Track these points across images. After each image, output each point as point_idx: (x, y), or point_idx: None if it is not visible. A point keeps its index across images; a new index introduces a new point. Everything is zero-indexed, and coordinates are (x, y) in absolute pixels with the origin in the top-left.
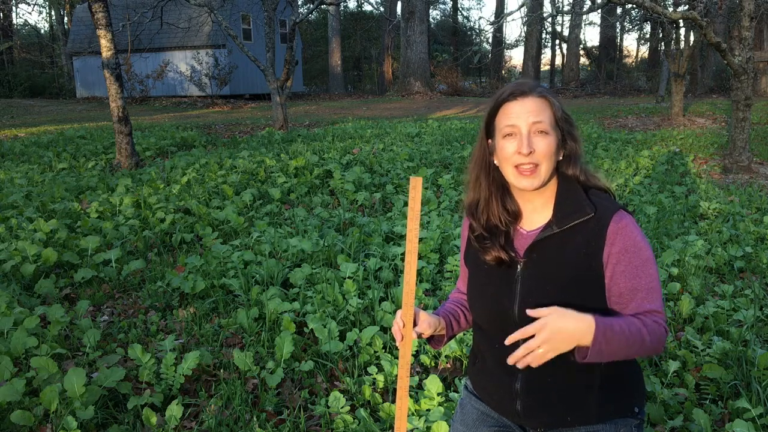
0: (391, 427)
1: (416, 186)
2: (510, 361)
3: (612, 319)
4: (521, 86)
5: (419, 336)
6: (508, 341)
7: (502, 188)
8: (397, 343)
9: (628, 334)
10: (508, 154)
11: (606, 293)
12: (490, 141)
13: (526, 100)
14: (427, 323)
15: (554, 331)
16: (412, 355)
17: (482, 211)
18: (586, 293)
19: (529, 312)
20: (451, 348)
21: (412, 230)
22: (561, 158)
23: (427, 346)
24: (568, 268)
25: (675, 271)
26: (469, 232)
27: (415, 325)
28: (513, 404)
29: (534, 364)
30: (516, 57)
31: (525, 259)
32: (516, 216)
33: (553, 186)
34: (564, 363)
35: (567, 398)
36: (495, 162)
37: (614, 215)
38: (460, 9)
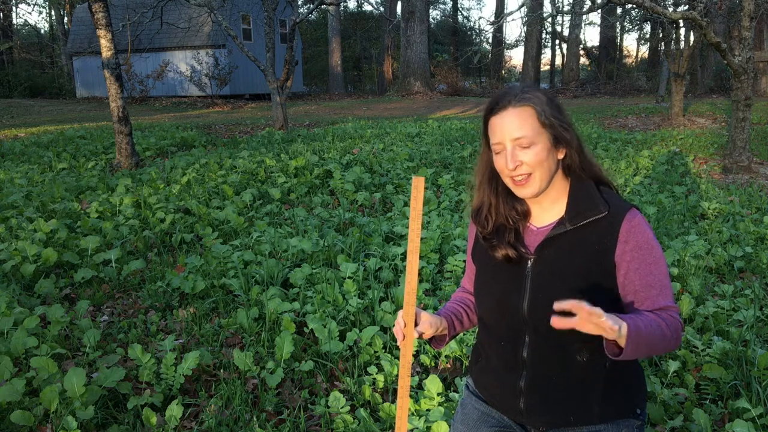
0: (392, 427)
1: (418, 186)
2: (557, 306)
3: (636, 319)
4: (501, 99)
5: (420, 336)
6: (558, 306)
7: (507, 191)
8: (399, 343)
9: (652, 333)
10: (500, 168)
11: (620, 291)
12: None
13: (506, 114)
14: (429, 323)
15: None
16: (413, 355)
17: (487, 215)
18: (596, 290)
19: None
20: (451, 348)
21: (414, 230)
22: (562, 157)
23: (428, 346)
24: (579, 265)
25: (675, 271)
26: (477, 230)
27: (416, 324)
28: (516, 402)
29: (579, 322)
30: (516, 57)
31: (536, 255)
32: (525, 215)
33: (560, 184)
34: (568, 362)
35: (570, 398)
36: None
37: (627, 213)
38: (460, 9)
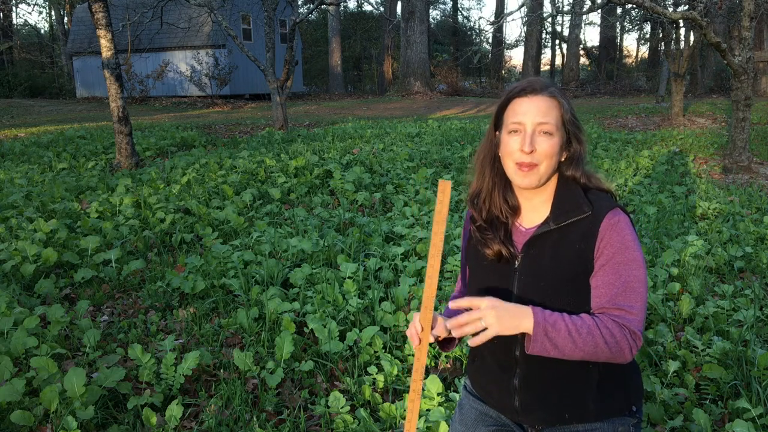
0: (391, 427)
1: (445, 190)
2: (450, 324)
3: (560, 316)
4: (533, 84)
5: (436, 339)
6: (453, 305)
7: (504, 181)
8: (414, 347)
9: (575, 334)
10: (510, 149)
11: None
12: (497, 133)
13: (535, 99)
14: (443, 326)
15: (497, 305)
16: (412, 355)
17: (484, 201)
18: (580, 289)
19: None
20: None
21: (438, 234)
22: (563, 159)
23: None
24: (563, 264)
25: (675, 271)
26: (471, 225)
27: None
28: (511, 401)
29: (470, 332)
30: (516, 57)
31: (522, 254)
32: (515, 210)
33: (553, 185)
34: (561, 360)
35: (564, 395)
36: (499, 154)
37: (609, 212)
38: (460, 9)
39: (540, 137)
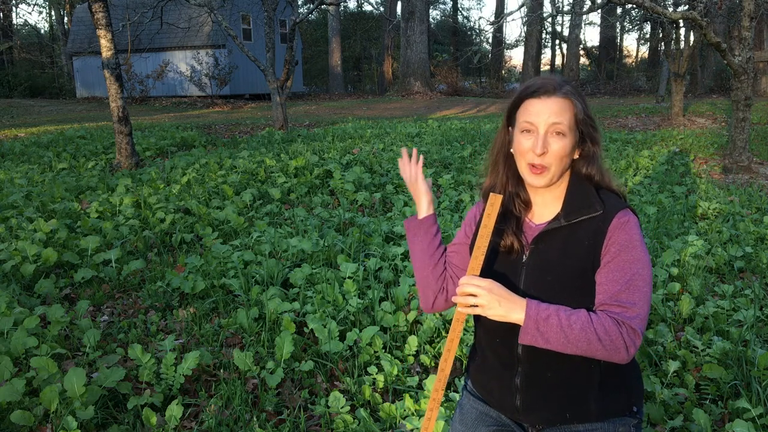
0: (391, 427)
1: (495, 203)
2: (457, 293)
3: (555, 310)
4: (547, 85)
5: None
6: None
7: (517, 176)
8: (404, 178)
9: (568, 330)
10: (523, 149)
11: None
12: (510, 129)
13: (549, 100)
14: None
15: (494, 290)
16: (412, 355)
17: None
18: (586, 286)
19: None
20: None
21: (480, 248)
22: (577, 157)
23: (428, 346)
24: (570, 261)
25: (675, 271)
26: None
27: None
28: (512, 400)
29: (459, 304)
30: (516, 57)
31: (531, 248)
32: (527, 205)
33: (565, 182)
34: (563, 359)
35: (566, 395)
36: (512, 151)
37: (619, 212)
38: (460, 9)
39: (552, 138)
